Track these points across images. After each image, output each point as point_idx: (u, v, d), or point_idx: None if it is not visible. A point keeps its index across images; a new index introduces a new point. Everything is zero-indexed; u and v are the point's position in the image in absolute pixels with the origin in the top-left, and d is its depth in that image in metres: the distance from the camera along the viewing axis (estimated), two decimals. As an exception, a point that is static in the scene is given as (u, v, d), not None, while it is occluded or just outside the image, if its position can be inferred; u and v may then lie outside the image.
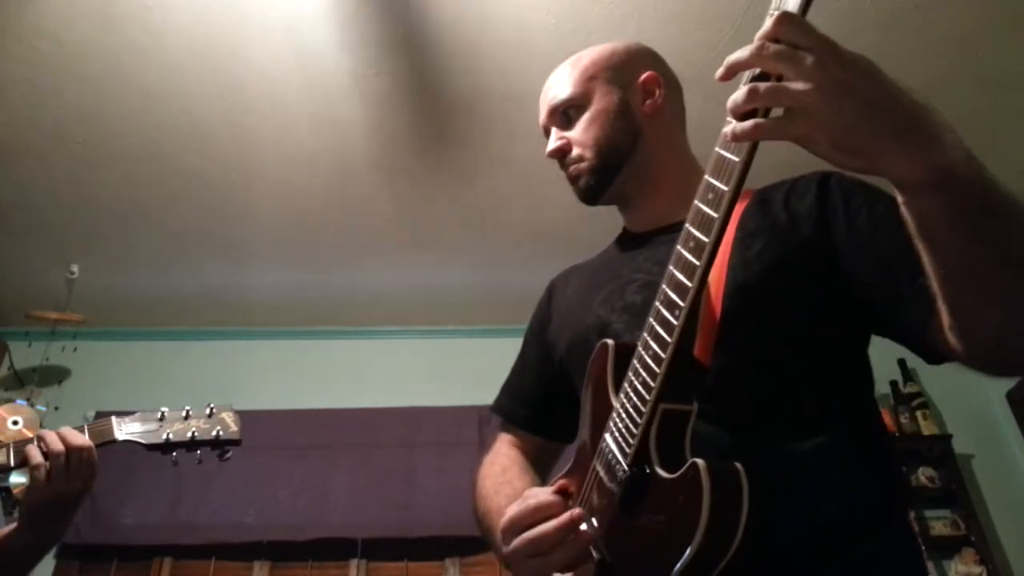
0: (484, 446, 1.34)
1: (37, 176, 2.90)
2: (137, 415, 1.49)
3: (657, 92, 1.18)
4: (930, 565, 3.13)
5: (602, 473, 0.90)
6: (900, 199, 0.72)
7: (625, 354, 0.93)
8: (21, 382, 3.53)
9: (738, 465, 0.75)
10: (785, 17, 0.67)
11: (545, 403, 1.29)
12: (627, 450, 0.84)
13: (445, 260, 3.51)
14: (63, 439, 1.33)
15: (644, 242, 1.17)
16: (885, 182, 0.73)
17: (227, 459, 1.49)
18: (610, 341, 0.98)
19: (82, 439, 1.34)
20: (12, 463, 1.35)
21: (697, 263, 0.77)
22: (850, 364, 1.00)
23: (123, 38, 2.37)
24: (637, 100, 1.17)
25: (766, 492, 0.74)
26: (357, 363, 3.82)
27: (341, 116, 2.69)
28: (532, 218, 3.21)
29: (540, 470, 1.26)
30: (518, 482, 1.18)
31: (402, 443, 3.52)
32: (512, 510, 0.94)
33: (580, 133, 1.17)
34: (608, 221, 1.32)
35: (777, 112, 0.69)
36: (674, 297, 0.81)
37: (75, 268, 3.38)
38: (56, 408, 3.44)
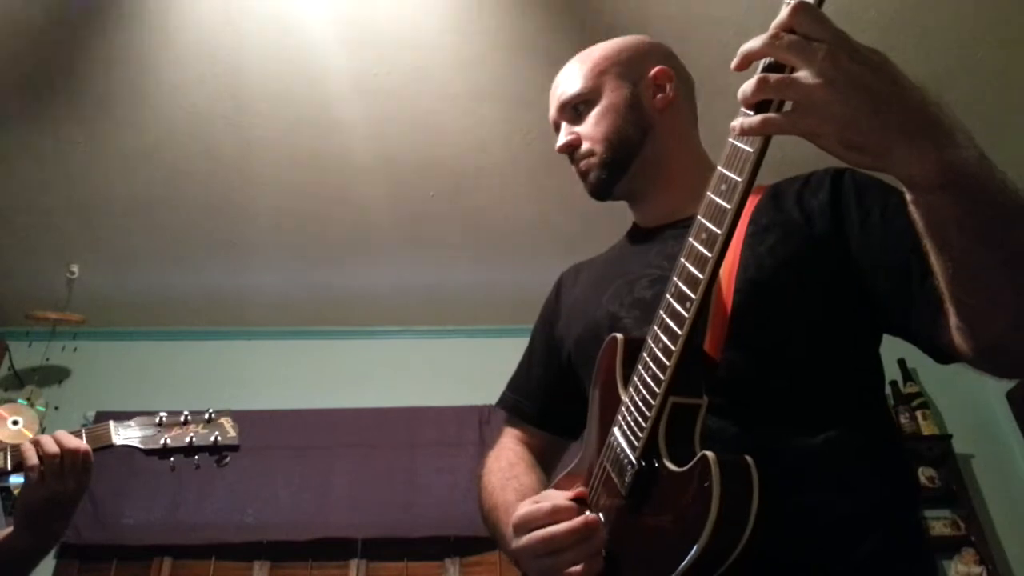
0: (485, 446, 1.34)
1: (37, 176, 2.90)
2: (135, 419, 1.49)
3: (668, 86, 1.18)
4: (930, 565, 3.12)
5: (610, 467, 0.90)
6: (908, 197, 0.72)
7: (635, 349, 0.93)
8: (21, 382, 3.52)
9: (748, 458, 0.75)
10: (801, 7, 0.67)
11: (551, 398, 1.28)
12: (635, 443, 0.84)
13: (445, 260, 3.51)
14: (58, 442, 1.34)
15: (654, 237, 1.16)
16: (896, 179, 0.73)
17: (225, 465, 1.49)
18: (619, 335, 0.98)
19: (77, 442, 1.35)
20: (8, 466, 1.36)
21: (709, 255, 0.77)
22: (860, 361, 0.99)
23: (123, 38, 2.36)
24: (648, 94, 1.17)
25: (775, 487, 0.74)
26: (357, 363, 3.81)
27: (341, 116, 2.69)
28: (532, 218, 3.21)
29: (545, 466, 1.26)
30: (525, 477, 1.18)
31: (402, 443, 3.52)
32: (525, 508, 0.94)
33: (590, 127, 1.17)
34: (609, 221, 1.32)
35: (788, 105, 0.69)
36: (685, 289, 0.80)
37: (75, 268, 3.37)
38: (56, 408, 3.44)
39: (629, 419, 0.87)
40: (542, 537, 0.89)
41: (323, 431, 3.54)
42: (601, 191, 1.18)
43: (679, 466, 0.79)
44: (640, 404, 0.84)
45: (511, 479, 1.18)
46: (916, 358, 0.93)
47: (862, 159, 0.68)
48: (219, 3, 2.28)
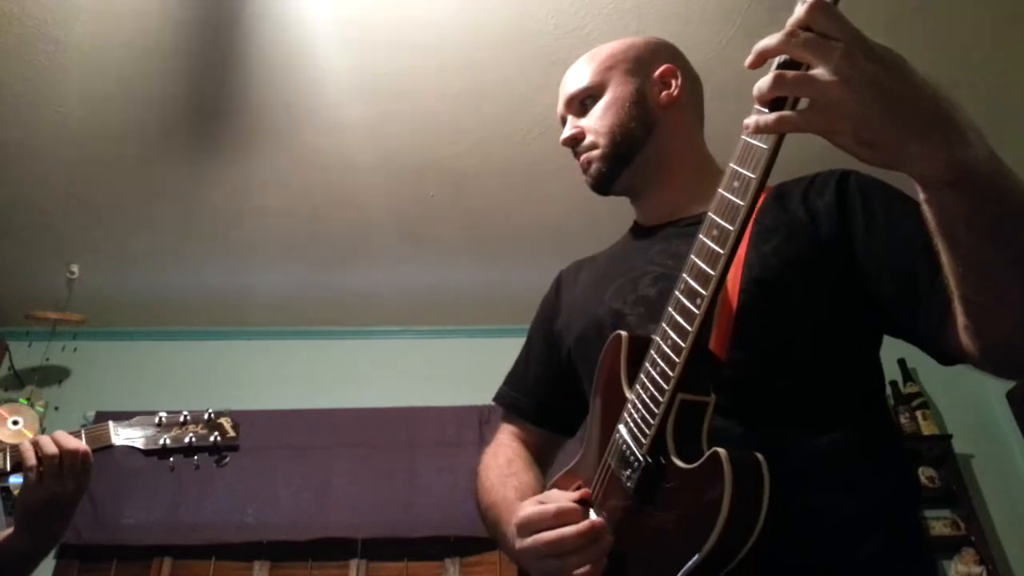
0: (485, 446, 1.34)
1: (37, 176, 2.90)
2: (135, 419, 1.49)
3: (674, 84, 1.19)
4: (930, 565, 3.12)
5: (615, 464, 0.90)
6: (921, 195, 0.72)
7: (640, 346, 0.93)
8: (21, 382, 3.52)
9: (759, 456, 0.75)
10: (819, 4, 0.67)
11: (549, 395, 1.29)
12: (643, 440, 0.84)
13: (445, 260, 3.50)
14: (57, 442, 1.34)
15: (657, 235, 1.17)
16: (905, 179, 0.73)
17: (224, 465, 1.49)
18: (624, 333, 0.98)
19: (76, 443, 1.35)
20: (7, 467, 1.36)
21: (721, 251, 0.77)
22: (863, 362, 1.00)
23: (124, 39, 2.36)
24: (654, 91, 1.18)
25: (780, 487, 0.74)
26: (357, 363, 3.81)
27: (342, 116, 2.69)
28: (532, 218, 3.21)
29: (541, 463, 1.26)
30: (524, 475, 1.18)
31: (402, 443, 3.52)
32: (529, 509, 0.94)
33: (594, 121, 1.18)
34: (609, 220, 1.32)
35: (803, 102, 0.69)
36: (695, 286, 0.80)
37: (75, 268, 3.37)
38: (56, 408, 3.44)
39: (636, 416, 0.87)
40: (548, 540, 0.89)
41: (323, 431, 3.54)
42: (602, 184, 1.19)
43: (687, 463, 0.79)
44: (648, 401, 0.84)
45: (510, 476, 1.18)
46: (916, 358, 0.94)
47: (875, 156, 0.68)
48: (218, 3, 2.28)
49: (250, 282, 3.59)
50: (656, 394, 0.83)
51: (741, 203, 0.75)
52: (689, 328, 0.80)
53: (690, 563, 0.73)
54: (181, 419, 1.51)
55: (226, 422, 1.53)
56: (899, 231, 0.93)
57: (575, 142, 1.20)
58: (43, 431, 2.98)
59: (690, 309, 0.80)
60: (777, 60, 0.71)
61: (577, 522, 0.89)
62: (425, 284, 3.67)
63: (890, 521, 0.89)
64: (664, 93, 1.18)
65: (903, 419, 3.54)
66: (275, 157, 2.86)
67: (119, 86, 2.53)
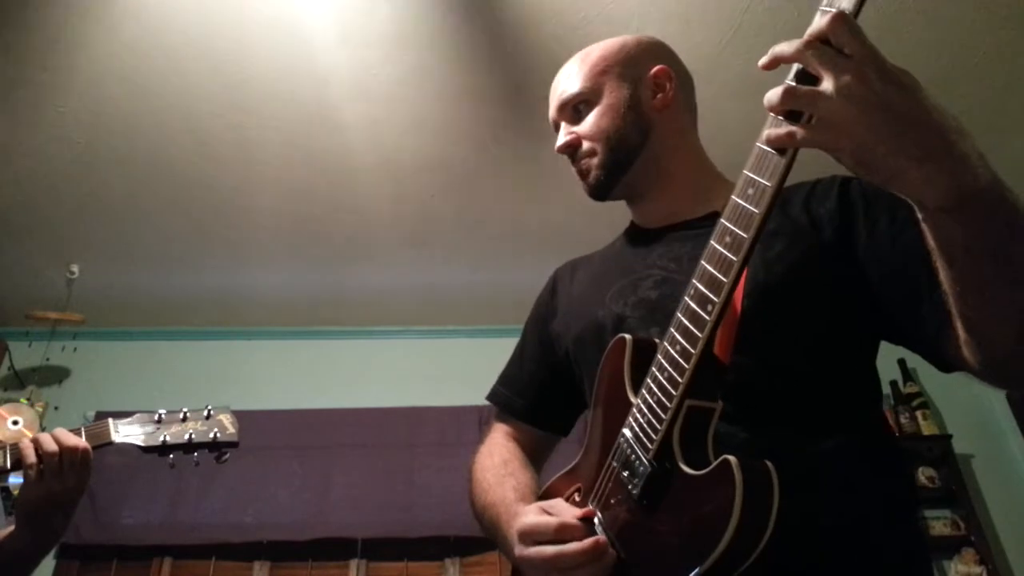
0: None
1: (37, 176, 2.90)
2: (134, 417, 1.49)
3: (668, 86, 1.18)
4: (930, 565, 3.12)
5: (619, 468, 0.89)
6: (919, 215, 0.73)
7: (643, 349, 0.93)
8: (21, 382, 3.52)
9: (769, 464, 0.75)
10: (841, 18, 0.67)
11: (543, 395, 1.29)
12: (649, 445, 0.84)
13: (445, 260, 3.51)
14: (57, 440, 1.34)
15: (657, 238, 1.16)
16: None
17: (224, 461, 1.49)
18: (628, 336, 0.97)
19: (76, 440, 1.35)
20: (8, 464, 1.36)
21: (734, 259, 0.77)
22: (862, 368, 1.01)
23: (124, 39, 2.37)
24: (648, 94, 1.17)
25: (784, 491, 0.75)
26: (357, 363, 3.81)
27: (342, 116, 2.69)
28: (532, 218, 3.21)
29: (534, 462, 1.25)
30: (521, 474, 1.18)
31: (402, 443, 3.52)
32: (533, 519, 0.94)
33: (590, 128, 1.17)
34: (610, 220, 1.31)
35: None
36: (707, 292, 0.80)
37: (75, 268, 3.37)
38: (56, 408, 3.44)
39: (642, 420, 0.86)
40: (552, 555, 0.89)
41: (323, 431, 3.54)
42: (600, 191, 1.18)
43: (694, 469, 0.79)
44: (655, 406, 0.84)
45: (507, 476, 1.17)
46: (916, 358, 0.94)
47: (874, 178, 0.69)
48: (219, 3, 2.28)
49: (250, 282, 3.59)
50: (664, 399, 0.83)
51: (756, 211, 0.75)
52: (699, 334, 0.79)
53: (697, 569, 0.74)
54: (180, 416, 1.51)
55: (225, 418, 1.52)
56: (901, 238, 0.93)
57: (571, 149, 1.19)
58: (43, 431, 2.98)
59: (700, 315, 0.80)
60: (793, 68, 0.71)
61: (579, 538, 0.88)
62: (425, 284, 3.67)
63: (891, 523, 0.90)
64: (659, 96, 1.17)
65: (903, 419, 3.54)
66: (275, 157, 2.86)
67: (120, 85, 2.53)
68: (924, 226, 0.73)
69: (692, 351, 0.80)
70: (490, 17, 2.36)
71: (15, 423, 3.00)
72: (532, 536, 0.92)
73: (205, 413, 1.53)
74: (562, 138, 1.20)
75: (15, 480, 2.83)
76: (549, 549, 0.89)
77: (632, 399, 0.90)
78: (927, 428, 3.52)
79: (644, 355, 0.91)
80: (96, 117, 2.64)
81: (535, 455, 1.28)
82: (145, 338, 3.85)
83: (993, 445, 3.59)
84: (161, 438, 1.47)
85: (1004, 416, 3.62)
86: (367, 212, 3.16)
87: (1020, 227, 0.70)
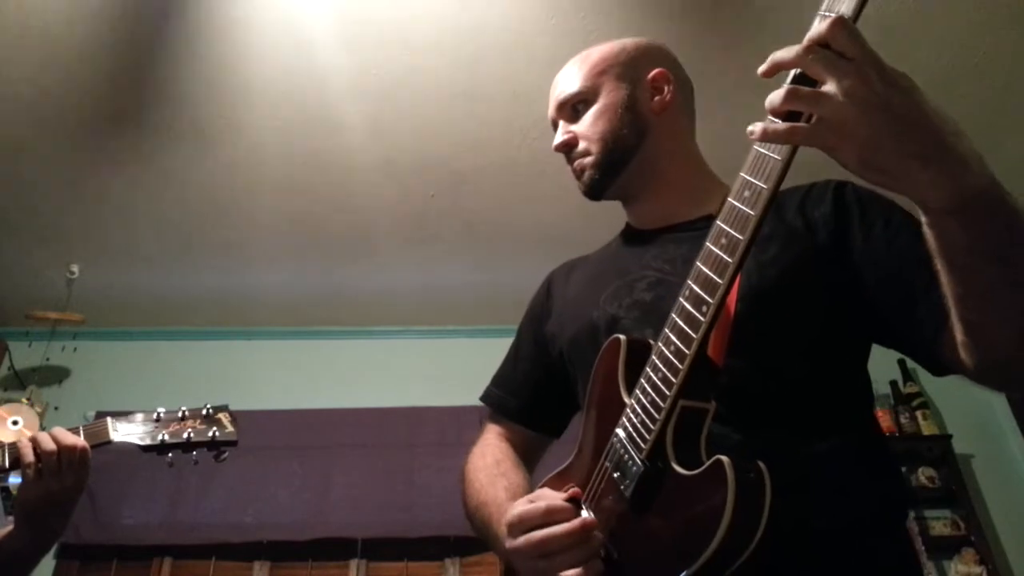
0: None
1: (37, 176, 2.90)
2: (133, 416, 1.48)
3: (666, 89, 1.18)
4: (930, 565, 3.13)
5: (612, 468, 0.89)
6: (922, 219, 0.73)
7: (637, 350, 0.93)
8: (21, 382, 3.52)
9: (761, 464, 0.76)
10: (841, 22, 0.67)
11: (537, 396, 1.29)
12: (642, 445, 0.84)
13: (445, 260, 3.51)
14: (55, 439, 1.33)
15: (652, 239, 1.16)
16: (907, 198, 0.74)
17: (223, 460, 1.49)
18: (622, 336, 0.97)
19: (74, 439, 1.34)
20: (6, 464, 1.36)
21: (730, 260, 0.77)
22: (855, 372, 1.01)
23: (124, 38, 2.37)
24: (646, 96, 1.17)
25: (776, 493, 0.75)
26: (357, 363, 3.81)
27: (342, 116, 2.69)
28: (532, 218, 3.21)
29: (527, 464, 1.25)
30: (513, 475, 1.18)
31: (402, 443, 3.52)
32: (520, 508, 0.94)
33: (587, 127, 1.17)
34: (609, 221, 1.31)
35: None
36: (702, 294, 0.80)
37: (75, 268, 3.38)
38: (56, 408, 3.44)
39: (635, 420, 0.86)
40: (539, 539, 0.89)
41: (323, 431, 3.54)
42: (595, 191, 1.19)
43: (687, 469, 0.79)
44: (648, 406, 0.84)
45: (499, 476, 1.17)
46: (917, 359, 0.95)
47: (878, 179, 0.69)
48: (218, 4, 2.28)
49: (250, 282, 3.59)
50: (657, 399, 0.83)
51: (752, 213, 0.75)
52: (694, 335, 0.80)
53: (690, 569, 0.74)
54: (179, 415, 1.50)
55: (224, 417, 1.52)
56: (896, 242, 0.94)
57: (568, 148, 1.20)
58: (43, 431, 2.98)
59: (695, 316, 0.80)
60: (792, 73, 0.71)
61: (567, 520, 0.89)
62: (425, 284, 3.67)
63: (883, 526, 0.90)
64: (657, 98, 1.17)
65: (903, 419, 3.54)
66: (275, 157, 2.86)
67: (120, 84, 2.53)
68: (926, 229, 0.74)
69: (686, 351, 0.80)
70: (491, 18, 2.36)
71: (15, 423, 3.00)
72: (521, 525, 0.92)
73: (204, 412, 1.52)
74: (559, 137, 1.21)
75: (15, 480, 2.84)
76: (535, 533, 0.89)
77: (626, 399, 0.90)
78: (927, 428, 3.52)
79: (638, 356, 0.91)
80: (96, 117, 2.64)
81: (528, 456, 1.27)
82: (145, 338, 3.85)
83: (993, 445, 3.59)
84: (160, 437, 1.47)
85: (1004, 416, 3.62)
86: (367, 212, 3.16)
87: (1020, 229, 0.71)
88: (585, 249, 1.36)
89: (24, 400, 3.25)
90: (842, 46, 0.67)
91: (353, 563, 3.29)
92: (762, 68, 0.72)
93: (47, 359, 3.50)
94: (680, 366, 0.81)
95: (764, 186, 0.74)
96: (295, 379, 3.73)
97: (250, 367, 3.73)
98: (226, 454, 1.50)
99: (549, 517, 0.90)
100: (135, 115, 2.66)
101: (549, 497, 0.95)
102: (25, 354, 3.52)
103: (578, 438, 1.04)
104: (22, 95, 2.54)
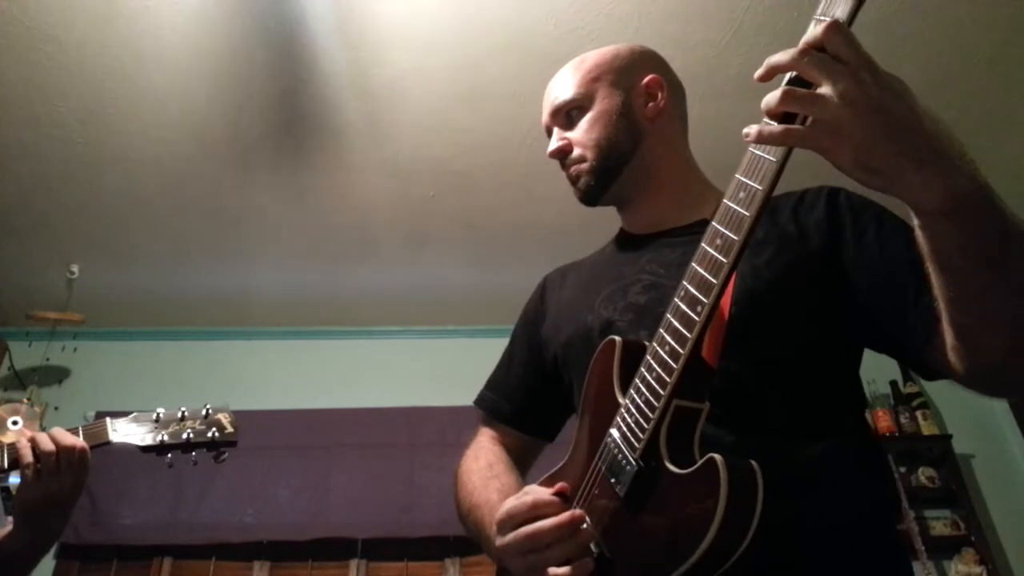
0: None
1: (37, 176, 2.90)
2: (132, 416, 1.48)
3: (660, 95, 1.19)
4: (930, 565, 3.13)
5: (605, 469, 0.90)
6: (916, 222, 0.74)
7: (632, 351, 0.94)
8: (21, 382, 3.53)
9: (754, 463, 0.76)
10: (836, 26, 0.68)
11: (530, 400, 1.29)
12: (636, 444, 0.84)
13: (445, 260, 3.51)
14: (54, 439, 1.33)
15: (646, 244, 1.17)
16: (898, 203, 0.74)
17: (222, 461, 1.48)
18: (617, 338, 0.98)
19: (73, 439, 1.34)
20: (5, 464, 1.36)
21: (724, 261, 0.78)
22: (847, 375, 1.02)
23: (124, 38, 2.37)
24: (639, 103, 1.18)
25: (769, 494, 0.75)
26: (357, 363, 3.82)
27: (342, 116, 2.69)
28: (532, 218, 3.21)
29: (520, 467, 1.26)
30: (505, 477, 1.18)
31: (402, 443, 3.52)
32: (509, 504, 0.94)
33: (582, 134, 1.18)
34: (609, 222, 1.31)
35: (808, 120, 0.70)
36: (696, 294, 0.81)
37: (75, 268, 3.38)
38: (56, 408, 3.45)
39: (630, 420, 0.87)
40: (528, 533, 0.89)
41: (323, 431, 3.54)
42: (591, 197, 1.19)
43: (680, 469, 0.80)
44: (642, 406, 0.85)
45: (492, 479, 1.18)
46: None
47: (873, 181, 0.70)
48: (219, 4, 2.28)
49: (250, 282, 3.59)
50: (651, 399, 0.83)
51: (747, 214, 0.76)
52: (688, 335, 0.80)
53: (681, 567, 0.74)
54: (179, 415, 1.50)
55: (224, 418, 1.52)
56: (888, 247, 0.95)
57: (562, 154, 1.20)
58: (43, 431, 2.98)
59: (690, 316, 0.81)
60: (787, 76, 0.72)
61: (555, 514, 0.89)
62: (425, 284, 3.67)
63: (875, 527, 0.91)
64: (650, 104, 1.18)
65: (903, 419, 3.55)
66: (274, 158, 2.86)
67: (120, 85, 2.53)
68: (918, 231, 0.74)
69: (681, 351, 0.81)
70: (490, 19, 2.36)
71: (15, 423, 3.00)
72: (510, 521, 0.92)
73: (203, 412, 1.52)
74: (554, 143, 1.21)
75: (14, 480, 2.83)
76: (524, 528, 0.90)
77: (620, 400, 0.91)
78: (927, 428, 3.52)
79: (633, 357, 0.92)
80: (96, 117, 2.64)
81: (521, 459, 1.28)
82: (145, 338, 3.85)
83: (993, 445, 3.59)
84: (159, 437, 1.47)
85: (1004, 416, 3.62)
86: (367, 212, 3.16)
87: (1011, 233, 0.72)
88: (585, 250, 1.36)
89: (24, 400, 3.25)
90: (837, 50, 0.68)
91: (353, 563, 3.29)
92: (759, 72, 0.72)
93: (47, 359, 3.50)
94: (674, 365, 0.81)
95: (759, 187, 0.75)
96: (295, 379, 3.73)
97: (250, 367, 3.74)
98: (225, 455, 1.50)
99: (536, 511, 0.91)
100: (137, 116, 2.66)
101: (536, 492, 0.95)
102: (25, 354, 3.52)
103: (572, 440, 1.04)
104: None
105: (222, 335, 3.87)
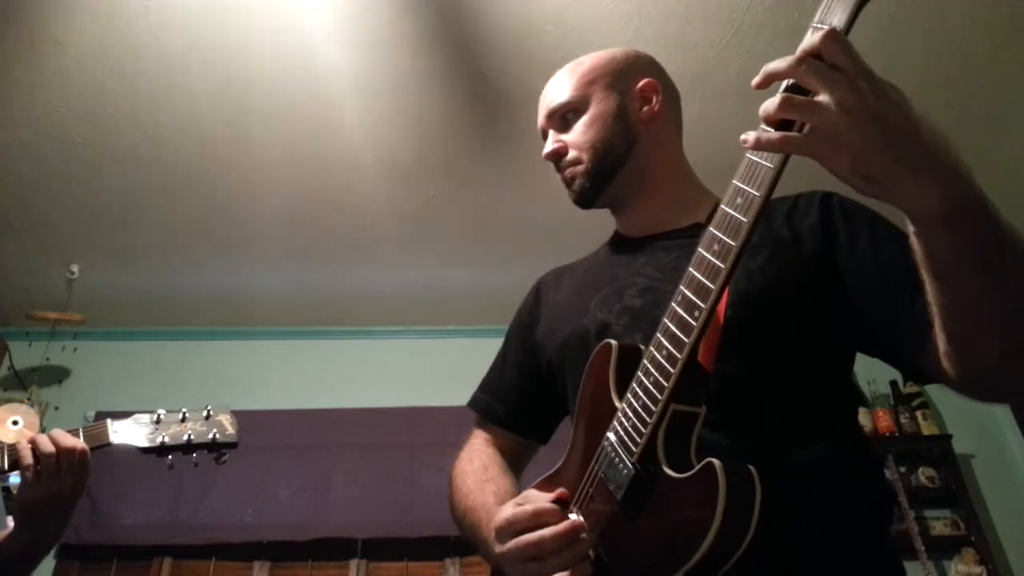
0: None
1: (37, 176, 2.90)
2: (133, 417, 1.48)
3: (655, 99, 1.20)
4: (930, 565, 3.13)
5: (602, 472, 0.90)
6: (911, 229, 0.74)
7: (628, 355, 0.94)
8: (21, 382, 3.53)
9: (752, 468, 0.76)
10: (833, 35, 0.68)
11: (524, 402, 1.29)
12: (633, 448, 0.84)
13: (445, 260, 3.51)
14: (54, 441, 1.33)
15: (641, 247, 1.17)
16: (891, 209, 0.75)
17: (223, 463, 1.48)
18: (613, 341, 0.98)
19: (73, 441, 1.34)
20: (5, 466, 1.36)
21: (722, 266, 0.78)
22: (840, 379, 1.03)
23: (124, 38, 2.37)
24: (635, 106, 1.19)
25: (765, 498, 0.75)
26: (357, 363, 3.82)
27: (342, 117, 2.69)
28: (532, 218, 3.21)
29: (514, 469, 1.26)
30: (501, 480, 1.18)
31: (402, 443, 3.52)
32: (508, 511, 0.94)
33: (577, 136, 1.19)
34: (609, 223, 1.32)
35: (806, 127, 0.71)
36: (694, 299, 0.81)
37: (75, 268, 3.38)
38: (56, 408, 3.45)
39: (627, 424, 0.87)
40: (528, 542, 0.89)
41: (323, 431, 3.54)
42: (585, 200, 1.20)
43: (677, 473, 0.80)
44: (640, 410, 0.85)
45: (487, 481, 1.18)
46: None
47: (869, 188, 0.70)
48: (219, 4, 2.28)
49: (250, 282, 3.59)
50: (649, 403, 0.83)
51: (744, 220, 0.76)
52: (686, 340, 0.81)
53: (679, 570, 0.74)
54: (180, 416, 1.50)
55: (225, 419, 1.52)
56: (881, 253, 0.95)
57: (558, 157, 1.21)
58: (43, 431, 2.97)
59: (687, 321, 0.81)
60: (784, 83, 0.72)
61: (556, 523, 0.89)
62: (425, 284, 3.67)
63: (868, 531, 0.91)
64: (645, 108, 1.19)
65: (903, 419, 3.55)
66: (275, 157, 2.86)
67: (120, 85, 2.53)
68: (914, 239, 0.75)
69: (678, 356, 0.81)
70: (490, 19, 2.36)
71: (15, 423, 3.00)
72: (509, 529, 0.92)
73: (204, 414, 1.52)
74: (549, 145, 1.22)
75: (15, 480, 2.83)
76: (524, 537, 0.90)
77: (617, 404, 0.91)
78: (927, 428, 3.52)
79: (629, 361, 0.92)
80: (96, 117, 2.64)
81: (515, 461, 1.28)
82: (145, 338, 3.85)
83: (993, 445, 3.59)
84: (160, 439, 1.46)
85: (1004, 416, 3.62)
86: (367, 212, 3.16)
87: (1005, 240, 0.73)
88: (585, 249, 1.36)
89: (24, 400, 3.25)
90: (835, 58, 0.68)
91: (353, 563, 3.29)
92: (756, 79, 0.72)
93: (47, 359, 3.50)
94: (672, 370, 0.81)
95: (756, 193, 0.75)
96: (295, 379, 3.73)
97: (250, 367, 3.74)
98: (226, 456, 1.49)
99: (537, 519, 0.91)
100: (137, 115, 2.66)
101: (536, 499, 0.95)
102: (25, 354, 3.52)
103: (568, 442, 1.04)
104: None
105: (222, 335, 3.87)
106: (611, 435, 0.90)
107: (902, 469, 3.43)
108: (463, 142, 2.83)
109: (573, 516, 0.91)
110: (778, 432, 0.93)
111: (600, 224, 1.35)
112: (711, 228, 0.81)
